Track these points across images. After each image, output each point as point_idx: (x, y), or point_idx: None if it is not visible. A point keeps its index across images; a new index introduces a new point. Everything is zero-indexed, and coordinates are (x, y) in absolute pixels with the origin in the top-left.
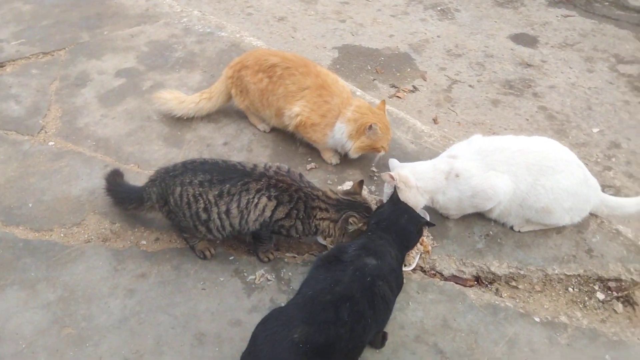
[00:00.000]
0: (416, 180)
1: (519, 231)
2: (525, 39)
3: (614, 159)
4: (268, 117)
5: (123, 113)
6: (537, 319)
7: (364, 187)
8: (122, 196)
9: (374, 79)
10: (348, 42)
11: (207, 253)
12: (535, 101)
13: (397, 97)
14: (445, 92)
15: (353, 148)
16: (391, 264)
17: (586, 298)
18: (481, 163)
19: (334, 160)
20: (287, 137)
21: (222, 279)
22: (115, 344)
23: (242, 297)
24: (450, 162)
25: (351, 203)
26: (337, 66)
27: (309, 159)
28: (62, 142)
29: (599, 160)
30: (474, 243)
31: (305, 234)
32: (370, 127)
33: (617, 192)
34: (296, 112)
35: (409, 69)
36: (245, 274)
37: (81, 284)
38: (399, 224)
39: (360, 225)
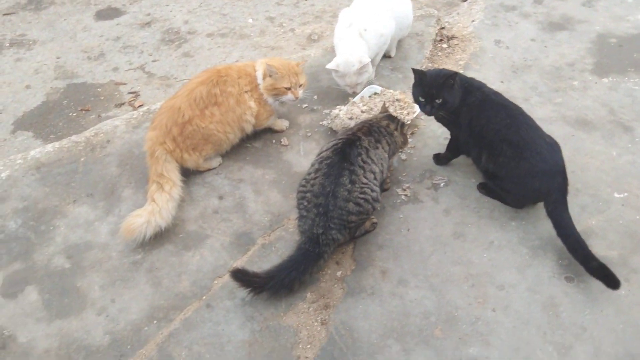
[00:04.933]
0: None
1: (394, 55)
2: (107, 14)
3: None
4: (231, 140)
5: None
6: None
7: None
8: (292, 276)
9: (98, 116)
10: (18, 114)
11: (375, 221)
12: (200, 36)
13: (139, 107)
14: (151, 77)
15: (262, 88)
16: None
17: (446, 53)
18: (368, 18)
19: (285, 123)
20: (240, 149)
21: (420, 215)
22: None
23: (427, 207)
24: (355, 28)
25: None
26: (60, 133)
27: (274, 141)
28: None
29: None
30: (396, 78)
31: (394, 151)
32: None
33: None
34: (252, 105)
35: (99, 89)
36: (397, 198)
37: None
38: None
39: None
